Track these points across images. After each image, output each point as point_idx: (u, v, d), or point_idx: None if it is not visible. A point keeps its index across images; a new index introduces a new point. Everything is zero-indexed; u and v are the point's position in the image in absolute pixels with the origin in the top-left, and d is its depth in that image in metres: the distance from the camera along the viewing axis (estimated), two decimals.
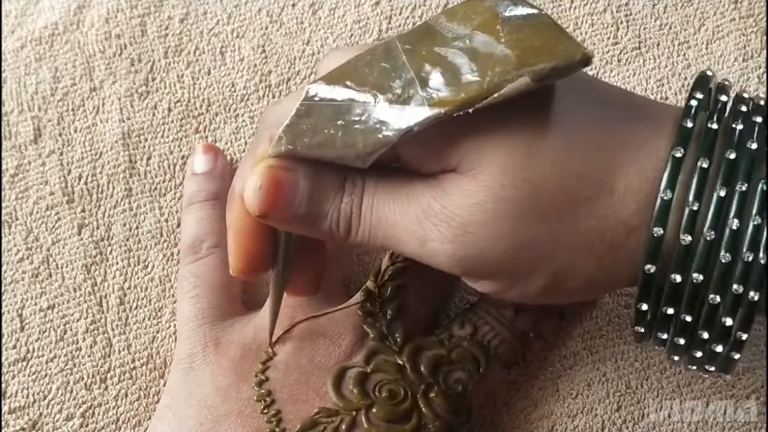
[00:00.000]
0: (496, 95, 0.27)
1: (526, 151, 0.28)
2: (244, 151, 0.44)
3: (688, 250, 0.28)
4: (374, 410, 0.34)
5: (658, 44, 0.46)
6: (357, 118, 0.29)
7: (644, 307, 0.30)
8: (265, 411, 0.35)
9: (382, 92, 0.29)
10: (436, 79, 0.28)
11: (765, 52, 0.46)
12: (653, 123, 0.30)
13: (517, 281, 0.30)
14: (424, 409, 0.35)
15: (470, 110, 0.28)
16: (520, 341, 0.37)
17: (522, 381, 0.40)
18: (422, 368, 0.36)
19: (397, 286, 0.38)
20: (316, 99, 0.29)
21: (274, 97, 0.44)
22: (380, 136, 0.29)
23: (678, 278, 0.28)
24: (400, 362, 0.36)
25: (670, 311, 0.29)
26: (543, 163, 0.28)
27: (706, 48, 0.46)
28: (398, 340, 0.37)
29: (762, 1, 0.46)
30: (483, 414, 0.39)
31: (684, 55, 0.46)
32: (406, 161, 0.30)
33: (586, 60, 0.28)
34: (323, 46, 0.45)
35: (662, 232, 0.28)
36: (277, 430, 0.34)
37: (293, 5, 0.46)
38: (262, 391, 0.35)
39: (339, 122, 0.29)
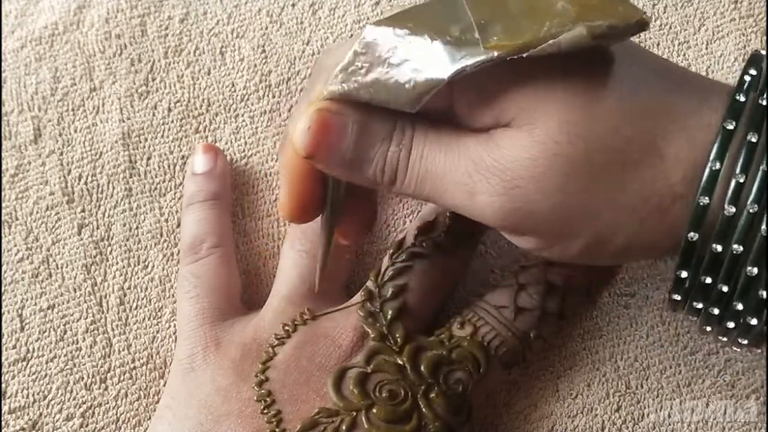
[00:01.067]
0: (552, 42, 0.28)
1: (583, 110, 0.29)
2: (244, 151, 0.44)
3: (730, 221, 0.28)
4: (374, 410, 0.34)
5: (658, 44, 0.46)
6: (411, 59, 0.29)
7: (683, 274, 0.30)
8: (266, 411, 0.35)
9: (438, 35, 0.29)
10: (494, 26, 0.29)
11: (765, 52, 0.45)
12: (703, 95, 0.30)
13: (560, 239, 0.30)
14: (424, 410, 0.35)
15: (525, 55, 0.28)
16: (521, 341, 0.37)
17: (522, 381, 0.40)
18: (422, 368, 0.36)
19: (397, 286, 0.38)
20: (373, 40, 0.30)
21: (274, 97, 0.44)
22: (433, 77, 0.29)
23: (719, 248, 0.28)
24: (401, 362, 0.36)
25: (708, 281, 0.29)
26: (598, 122, 0.29)
27: (706, 48, 0.46)
28: (398, 340, 0.37)
29: (762, 1, 0.46)
30: (483, 414, 0.39)
31: (684, 55, 0.45)
32: (459, 112, 0.31)
33: (643, 24, 0.28)
34: (323, 46, 0.45)
35: (708, 201, 0.28)
36: (277, 430, 0.34)
37: (293, 5, 0.46)
38: (263, 391, 0.35)
39: (393, 62, 0.29)
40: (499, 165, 0.29)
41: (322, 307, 0.38)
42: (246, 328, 0.38)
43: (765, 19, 0.46)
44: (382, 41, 0.30)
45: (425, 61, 0.29)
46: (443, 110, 0.31)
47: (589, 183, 0.29)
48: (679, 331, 0.41)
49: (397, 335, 0.37)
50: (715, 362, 0.40)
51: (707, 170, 0.28)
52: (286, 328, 0.37)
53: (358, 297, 0.38)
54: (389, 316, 0.37)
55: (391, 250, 0.39)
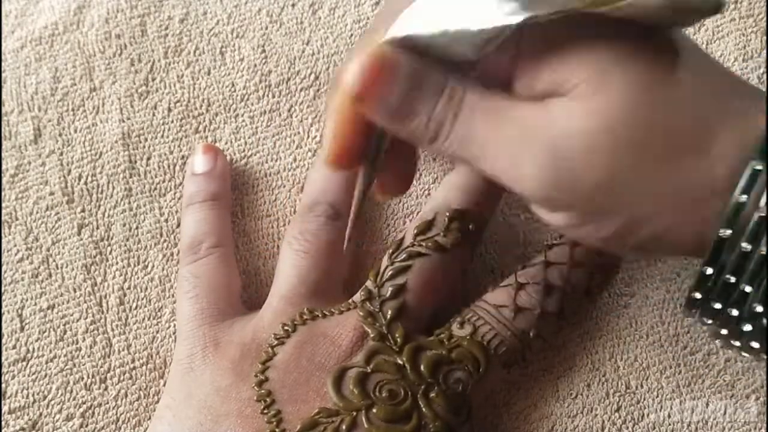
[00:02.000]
0: (630, 0, 0.27)
1: (647, 91, 0.28)
2: (244, 151, 0.44)
3: (762, 222, 0.28)
4: (374, 410, 0.34)
5: None
6: (482, 4, 0.29)
7: (709, 271, 0.30)
8: (266, 411, 0.35)
9: None
10: None
11: (765, 52, 0.45)
12: (753, 98, 0.30)
13: (593, 218, 0.30)
14: (424, 409, 0.35)
15: (603, 10, 0.27)
16: (520, 341, 0.37)
17: (522, 381, 0.40)
18: (422, 368, 0.36)
19: (396, 286, 0.38)
20: None
21: (273, 97, 0.44)
22: (502, 23, 0.28)
23: (748, 248, 0.28)
24: (400, 362, 0.36)
25: (732, 280, 0.29)
26: (659, 106, 0.28)
27: (706, 48, 0.46)
28: (398, 340, 0.37)
29: (762, 1, 0.46)
30: (483, 414, 0.39)
31: None
32: (517, 74, 0.30)
33: (718, 6, 0.28)
34: (323, 46, 0.45)
35: (745, 199, 0.28)
36: (277, 430, 0.34)
37: (293, 5, 0.46)
38: (262, 391, 0.35)
39: (463, 6, 0.29)
40: (549, 135, 0.29)
41: (321, 306, 0.38)
42: (245, 329, 0.38)
43: (765, 19, 0.46)
44: None
45: (497, 6, 0.28)
46: (499, 75, 0.31)
47: (638, 164, 0.29)
48: (678, 331, 0.41)
49: (397, 335, 0.37)
50: (715, 362, 0.40)
51: (749, 169, 0.28)
52: (286, 328, 0.37)
53: (358, 297, 0.39)
54: (389, 316, 0.37)
55: (390, 250, 0.39)
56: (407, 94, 0.31)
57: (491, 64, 0.30)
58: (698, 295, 0.31)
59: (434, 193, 0.42)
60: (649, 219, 0.29)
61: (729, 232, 0.28)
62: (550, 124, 0.29)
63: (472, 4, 0.29)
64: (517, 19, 0.28)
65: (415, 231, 0.39)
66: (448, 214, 0.39)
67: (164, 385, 0.40)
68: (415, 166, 0.37)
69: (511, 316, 0.38)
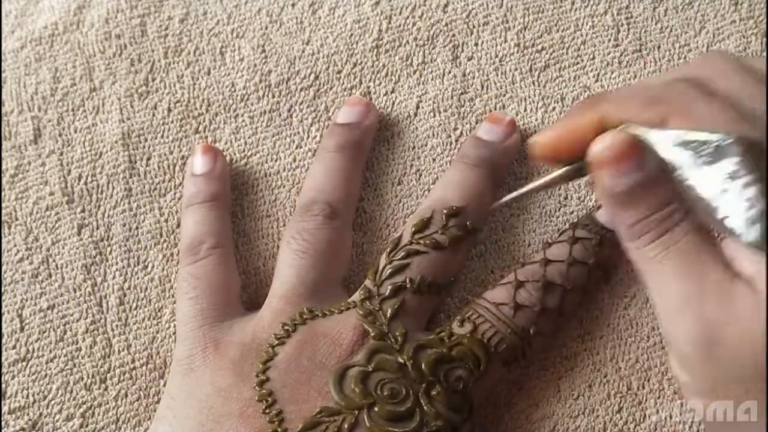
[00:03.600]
0: None
1: None
2: (243, 151, 0.44)
3: None
4: (376, 409, 0.34)
5: (659, 47, 0.46)
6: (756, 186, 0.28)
7: None
8: (267, 411, 0.35)
9: None
10: None
11: (765, 53, 0.46)
12: None
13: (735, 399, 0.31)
14: (425, 408, 0.35)
15: None
16: (520, 338, 0.37)
17: (523, 381, 0.40)
18: (423, 366, 0.36)
19: (395, 284, 0.38)
20: (733, 154, 0.29)
21: (273, 97, 0.44)
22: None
23: None
24: (401, 361, 0.36)
25: None
26: None
27: (707, 50, 0.46)
28: (398, 338, 0.37)
29: (762, 3, 0.46)
30: (484, 413, 0.39)
31: (685, 57, 0.46)
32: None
33: None
34: (323, 46, 0.45)
35: None
36: (279, 430, 0.34)
37: (293, 5, 0.46)
38: (264, 391, 0.35)
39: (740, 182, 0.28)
40: (720, 314, 0.29)
41: (320, 306, 0.38)
42: (245, 329, 0.38)
43: (765, 21, 0.46)
44: (738, 161, 0.28)
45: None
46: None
47: None
48: None
49: (397, 333, 0.37)
50: None
51: None
52: (286, 327, 0.37)
53: (357, 296, 0.39)
54: (388, 315, 0.37)
55: (389, 248, 0.39)
56: (639, 184, 0.30)
57: None
58: None
59: (431, 191, 0.42)
60: None
61: None
62: (722, 297, 0.29)
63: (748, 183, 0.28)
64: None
65: (413, 229, 0.39)
66: (445, 211, 0.39)
67: (164, 385, 0.40)
68: None
69: (511, 313, 0.38)
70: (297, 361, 0.36)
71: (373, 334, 0.37)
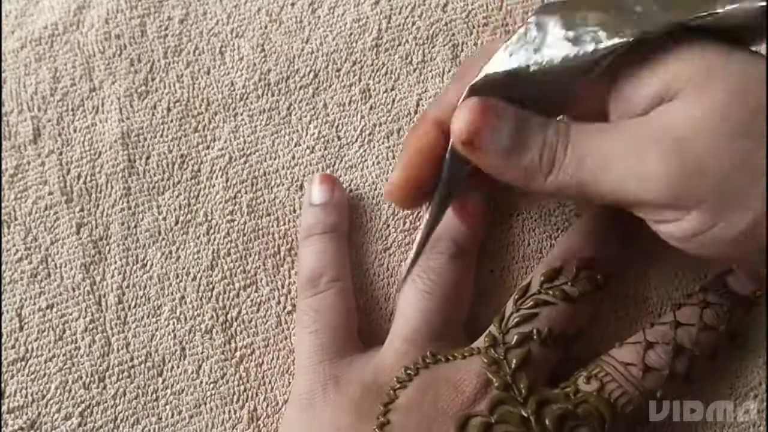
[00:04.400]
0: (734, 7, 0.29)
1: (748, 77, 0.29)
2: (243, 149, 0.44)
3: None
4: None
5: None
6: (590, 29, 0.31)
7: None
8: None
9: (618, 8, 0.31)
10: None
11: (765, 53, 0.45)
12: None
13: (724, 214, 0.29)
14: None
15: (704, 19, 0.30)
16: (647, 401, 0.37)
17: None
18: (547, 422, 0.35)
19: (522, 334, 0.37)
20: (545, 19, 0.32)
21: (273, 95, 0.45)
22: (614, 42, 0.30)
23: None
24: (525, 414, 0.35)
25: None
26: (763, 89, 0.29)
27: None
28: (523, 390, 0.36)
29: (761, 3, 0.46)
30: None
31: None
32: (620, 96, 0.32)
33: None
34: (322, 45, 0.45)
35: None
36: None
37: (292, 4, 0.46)
38: None
39: (569, 34, 0.31)
40: (670, 134, 0.29)
41: (443, 349, 0.38)
42: (365, 368, 0.37)
43: (764, 20, 0.46)
44: (556, 19, 0.32)
45: (606, 28, 0.31)
46: (592, 106, 0.32)
47: (757, 146, 0.29)
48: None
49: (522, 385, 0.36)
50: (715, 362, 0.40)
51: None
52: (408, 371, 0.37)
53: (481, 342, 0.38)
54: (513, 365, 0.36)
55: (516, 296, 0.39)
56: (516, 132, 0.32)
57: (585, 96, 0.32)
58: None
59: (560, 240, 0.41)
60: None
61: None
62: (669, 125, 0.29)
63: (580, 30, 0.31)
64: (631, 36, 0.30)
65: (542, 278, 0.38)
66: (576, 263, 0.38)
67: (163, 382, 0.40)
68: (488, 214, 0.39)
69: (640, 375, 0.37)
70: (418, 406, 0.35)
71: (496, 384, 0.36)
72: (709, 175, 0.29)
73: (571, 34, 0.31)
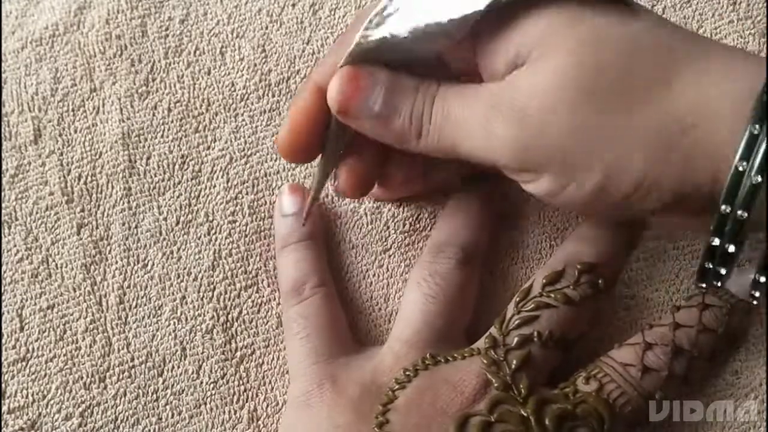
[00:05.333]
0: None
1: (595, 40, 0.30)
2: (243, 150, 0.44)
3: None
4: None
5: None
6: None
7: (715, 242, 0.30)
8: None
9: None
10: None
11: (764, 54, 0.46)
12: (718, 50, 0.31)
13: (572, 175, 0.31)
14: None
15: None
16: (645, 401, 0.37)
17: None
18: (547, 421, 0.35)
19: (523, 336, 0.37)
20: None
21: (273, 96, 0.45)
22: (469, 11, 0.31)
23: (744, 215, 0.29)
24: (525, 414, 0.35)
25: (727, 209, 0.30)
26: (608, 51, 0.30)
27: None
28: (522, 391, 0.36)
29: (760, 3, 0.46)
30: None
31: None
32: (481, 61, 0.33)
33: None
34: (323, 46, 0.45)
35: (745, 167, 0.28)
36: None
37: (293, 5, 0.46)
38: None
39: (426, 4, 0.32)
40: (514, 100, 0.30)
41: (443, 351, 0.38)
42: (364, 368, 0.37)
43: (763, 21, 0.46)
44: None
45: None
46: (467, 67, 0.33)
47: (598, 111, 0.29)
48: None
49: (521, 386, 0.36)
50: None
51: (746, 133, 0.28)
52: (407, 372, 0.37)
53: (482, 343, 0.38)
54: (513, 366, 0.36)
55: (517, 298, 0.39)
56: (387, 96, 0.33)
57: (457, 58, 0.33)
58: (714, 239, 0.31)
59: (563, 244, 0.41)
60: (625, 168, 0.30)
61: (744, 164, 0.28)
62: (514, 92, 0.31)
63: (424, 6, 0.32)
64: (484, 4, 0.31)
65: (544, 281, 0.38)
66: (578, 266, 0.38)
67: (163, 383, 0.40)
68: (374, 176, 0.38)
69: (638, 375, 0.37)
70: (418, 406, 0.35)
71: (496, 385, 0.36)
72: (548, 142, 0.30)
73: (427, 3, 0.32)
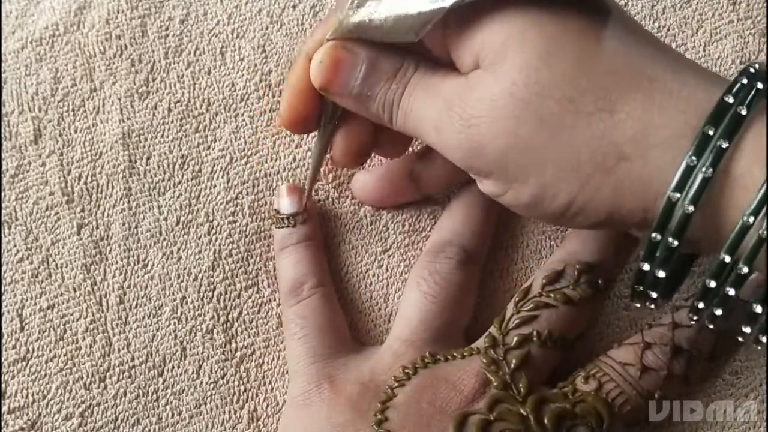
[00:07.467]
0: None
1: (546, 56, 0.30)
2: (243, 150, 0.44)
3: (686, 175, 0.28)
4: None
5: None
6: None
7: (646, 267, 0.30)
8: None
9: None
10: None
11: (764, 54, 0.46)
12: (677, 73, 0.30)
13: (511, 183, 0.31)
14: None
15: None
16: (645, 401, 0.37)
17: None
18: (546, 420, 0.35)
19: (522, 335, 0.37)
20: None
21: (273, 96, 0.45)
22: (438, 6, 0.31)
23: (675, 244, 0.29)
24: (524, 413, 0.35)
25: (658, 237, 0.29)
26: (556, 69, 0.29)
27: (704, 50, 0.46)
28: (521, 390, 0.36)
29: (760, 3, 0.46)
30: None
31: None
32: (451, 55, 0.33)
33: None
34: None
35: (679, 198, 0.28)
36: None
37: (294, 6, 0.46)
38: (381, 431, 0.35)
39: None
40: (463, 104, 0.31)
41: (442, 350, 0.38)
42: (362, 367, 0.38)
43: (763, 21, 0.46)
44: None
45: None
46: (447, 55, 0.33)
47: (537, 130, 0.30)
48: None
49: (521, 385, 0.36)
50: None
51: (682, 165, 0.28)
52: (407, 371, 0.37)
53: (481, 342, 0.38)
54: (512, 365, 0.36)
55: (517, 297, 0.39)
56: (365, 80, 0.34)
57: (436, 45, 0.33)
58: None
59: (563, 244, 0.41)
60: (557, 186, 0.30)
61: (675, 195, 0.28)
62: (467, 95, 0.31)
63: None
64: (451, 1, 0.30)
65: (544, 281, 0.39)
66: (578, 266, 0.39)
67: (163, 383, 0.40)
68: (370, 143, 0.38)
69: (637, 375, 0.37)
70: (417, 404, 0.36)
71: (495, 384, 0.36)
72: (489, 152, 0.31)
73: None
